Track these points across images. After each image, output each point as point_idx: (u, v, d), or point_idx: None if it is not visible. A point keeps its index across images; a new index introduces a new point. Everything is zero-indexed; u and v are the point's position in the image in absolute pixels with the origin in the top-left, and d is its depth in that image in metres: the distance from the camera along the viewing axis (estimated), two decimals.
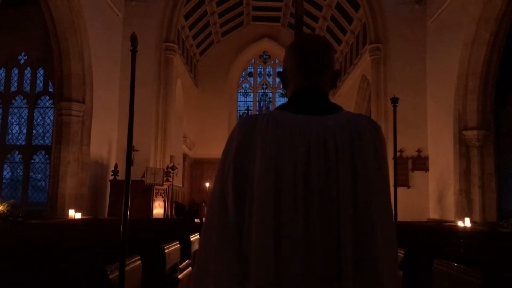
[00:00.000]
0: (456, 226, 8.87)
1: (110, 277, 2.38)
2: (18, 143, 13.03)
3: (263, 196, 1.11)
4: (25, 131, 13.02)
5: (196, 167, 18.41)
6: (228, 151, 1.23)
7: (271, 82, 20.34)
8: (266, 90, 20.29)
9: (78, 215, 9.25)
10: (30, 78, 13.12)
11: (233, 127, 1.26)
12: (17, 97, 13.14)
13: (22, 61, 13.15)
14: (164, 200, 10.88)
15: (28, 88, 13.11)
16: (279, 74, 1.33)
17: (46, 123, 13.08)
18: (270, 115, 1.20)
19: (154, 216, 10.58)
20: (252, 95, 20.35)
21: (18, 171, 12.95)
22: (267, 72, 20.33)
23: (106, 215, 10.81)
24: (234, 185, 1.15)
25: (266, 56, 19.91)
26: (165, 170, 11.21)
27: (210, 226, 1.18)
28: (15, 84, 13.13)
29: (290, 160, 1.12)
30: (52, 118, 12.26)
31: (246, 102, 20.30)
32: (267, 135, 1.15)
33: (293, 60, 1.29)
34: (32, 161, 12.89)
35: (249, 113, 20.07)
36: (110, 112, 11.72)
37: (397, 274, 1.20)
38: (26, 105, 13.10)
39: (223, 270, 1.12)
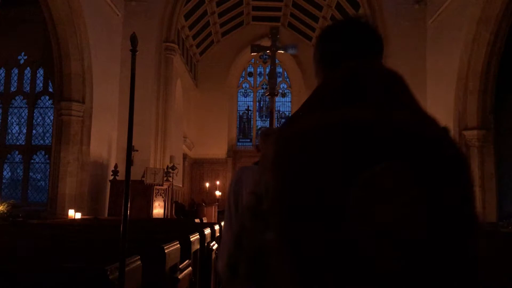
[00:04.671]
0: None
1: (110, 277, 2.38)
2: (18, 143, 13.03)
3: None
4: (25, 131, 13.02)
5: (196, 167, 18.41)
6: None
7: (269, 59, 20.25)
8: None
9: (78, 215, 9.25)
10: (30, 78, 13.12)
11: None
12: (17, 97, 13.14)
13: (22, 61, 13.15)
14: (164, 200, 10.88)
15: (28, 88, 13.11)
16: None
17: (46, 123, 13.08)
18: None
19: (154, 216, 10.58)
20: (252, 95, 20.34)
21: (18, 171, 12.95)
22: (267, 72, 20.31)
23: (106, 215, 10.81)
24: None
25: (266, 56, 19.88)
26: (165, 170, 11.21)
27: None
28: (15, 84, 13.13)
29: None
30: (52, 118, 12.25)
31: (246, 102, 20.30)
32: None
33: None
34: (32, 161, 12.89)
35: (249, 113, 20.07)
36: (110, 112, 11.72)
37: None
38: (26, 105, 13.10)
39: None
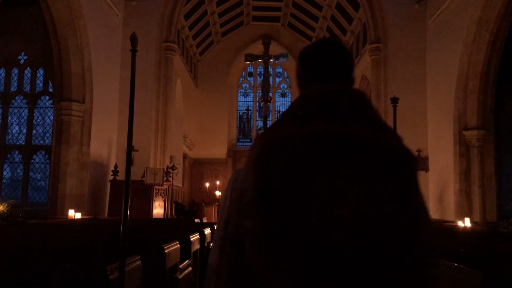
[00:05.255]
0: (456, 226, 8.87)
1: (110, 277, 2.38)
2: (18, 143, 13.02)
3: None
4: (25, 131, 13.01)
5: (196, 167, 18.41)
6: None
7: (271, 82, 20.32)
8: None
9: (78, 215, 9.25)
10: (30, 78, 13.12)
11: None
12: (17, 97, 13.13)
13: (22, 61, 13.14)
14: (164, 200, 10.88)
15: (28, 88, 13.10)
16: None
17: (46, 123, 13.08)
18: None
19: (154, 216, 10.58)
20: (252, 95, 20.34)
21: (18, 171, 12.95)
22: (259, 54, 20.19)
23: (106, 215, 10.81)
24: None
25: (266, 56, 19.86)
26: (165, 170, 11.20)
27: None
28: (15, 84, 13.13)
29: None
30: (52, 118, 12.25)
31: (246, 102, 20.29)
32: None
33: None
34: (32, 161, 12.89)
35: (249, 113, 20.07)
36: (110, 112, 11.72)
37: None
38: (26, 105, 13.10)
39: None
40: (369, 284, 0.99)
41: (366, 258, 0.99)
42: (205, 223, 9.78)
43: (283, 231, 1.01)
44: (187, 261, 4.55)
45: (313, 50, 1.28)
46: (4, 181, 12.82)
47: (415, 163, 1.12)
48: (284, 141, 1.07)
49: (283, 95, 20.42)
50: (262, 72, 20.34)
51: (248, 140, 19.52)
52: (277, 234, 1.02)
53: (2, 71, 13.14)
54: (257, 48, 19.48)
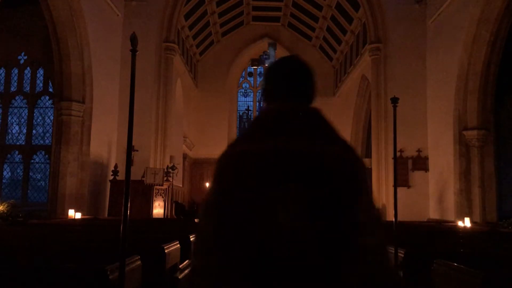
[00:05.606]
0: (456, 226, 8.87)
1: (110, 277, 2.38)
2: (18, 143, 13.03)
3: None
4: (25, 131, 13.02)
5: (196, 167, 18.40)
6: None
7: None
8: None
9: (78, 215, 9.25)
10: (30, 78, 13.13)
11: None
12: (17, 97, 13.14)
13: (22, 61, 13.15)
14: (164, 200, 10.88)
15: (28, 88, 13.11)
16: None
17: (46, 123, 13.09)
18: None
19: (154, 216, 10.58)
20: (252, 95, 20.34)
21: (18, 171, 12.95)
22: (265, 59, 20.23)
23: (106, 215, 10.81)
24: None
25: (266, 56, 19.88)
26: (165, 170, 11.20)
27: None
28: (15, 84, 13.14)
29: None
30: (52, 118, 12.26)
31: (246, 102, 20.29)
32: None
33: None
34: (32, 161, 12.90)
35: (249, 113, 20.07)
36: (110, 112, 11.72)
37: None
38: (26, 105, 13.11)
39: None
40: (306, 282, 1.13)
41: (303, 260, 1.13)
42: None
43: (233, 236, 1.17)
44: (187, 261, 4.55)
45: (275, 69, 1.39)
46: (4, 181, 12.83)
47: (361, 171, 1.25)
48: (239, 157, 1.25)
49: None
50: (262, 72, 20.37)
51: None
52: (228, 239, 1.18)
53: (2, 71, 13.14)
54: (257, 48, 19.51)
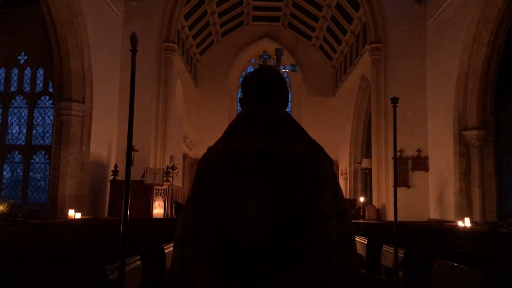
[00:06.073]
0: (456, 226, 8.87)
1: (110, 277, 2.38)
2: (18, 143, 13.02)
3: None
4: (25, 131, 13.01)
5: (196, 167, 18.40)
6: None
7: None
8: None
9: (78, 215, 9.25)
10: (30, 78, 13.12)
11: None
12: (17, 97, 13.13)
13: (22, 61, 13.14)
14: (164, 200, 10.88)
15: (28, 88, 13.10)
16: None
17: (46, 123, 13.08)
18: None
19: (154, 216, 10.58)
20: None
21: (18, 171, 12.94)
22: (271, 64, 20.27)
23: (106, 215, 10.81)
24: None
25: (266, 56, 19.88)
26: (165, 170, 11.20)
27: None
28: (15, 84, 13.12)
29: None
30: (52, 118, 12.25)
31: None
32: None
33: None
34: (32, 161, 12.89)
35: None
36: (110, 112, 11.72)
37: None
38: (26, 105, 13.10)
39: None
40: (267, 276, 1.26)
41: (265, 248, 1.27)
42: None
43: (204, 228, 1.34)
44: None
45: (250, 78, 1.58)
46: (4, 181, 12.82)
47: (324, 168, 1.39)
48: (213, 157, 1.45)
49: None
50: (267, 64, 20.38)
51: None
52: (200, 231, 1.35)
53: (2, 71, 13.14)
54: (257, 48, 19.53)
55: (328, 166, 1.41)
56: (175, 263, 1.41)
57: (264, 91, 1.52)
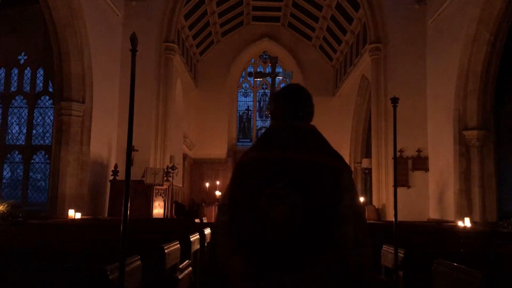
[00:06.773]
0: (456, 226, 8.87)
1: (110, 277, 2.38)
2: (18, 143, 13.03)
3: None
4: (25, 131, 13.02)
5: (196, 167, 18.40)
6: None
7: (270, 82, 20.32)
8: (266, 90, 20.26)
9: (78, 215, 9.25)
10: (30, 78, 13.13)
11: None
12: (17, 97, 13.14)
13: (22, 61, 13.15)
14: (164, 200, 10.88)
15: (28, 88, 13.11)
16: None
17: (46, 123, 13.09)
18: None
19: (154, 216, 10.58)
20: (252, 95, 20.33)
21: (18, 171, 12.95)
22: (267, 72, 20.28)
23: (106, 215, 10.81)
24: None
25: (266, 56, 19.88)
26: (165, 170, 11.20)
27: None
28: (15, 84, 13.14)
29: None
30: (52, 118, 12.26)
31: (246, 102, 20.28)
32: None
33: None
34: (32, 161, 12.90)
35: (249, 113, 20.08)
36: (110, 112, 11.72)
37: None
38: (26, 105, 13.11)
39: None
40: (294, 265, 1.50)
41: (292, 246, 1.51)
42: (205, 223, 9.78)
43: (240, 225, 1.60)
44: (187, 261, 4.55)
45: (280, 94, 1.83)
46: (4, 181, 12.83)
47: (344, 175, 1.62)
48: (248, 163, 1.68)
49: None
50: (263, 72, 20.38)
51: (248, 140, 19.51)
52: (236, 228, 1.61)
53: (2, 71, 13.14)
54: (257, 48, 19.53)
55: (347, 175, 1.63)
56: (218, 248, 1.69)
57: (293, 106, 1.76)
